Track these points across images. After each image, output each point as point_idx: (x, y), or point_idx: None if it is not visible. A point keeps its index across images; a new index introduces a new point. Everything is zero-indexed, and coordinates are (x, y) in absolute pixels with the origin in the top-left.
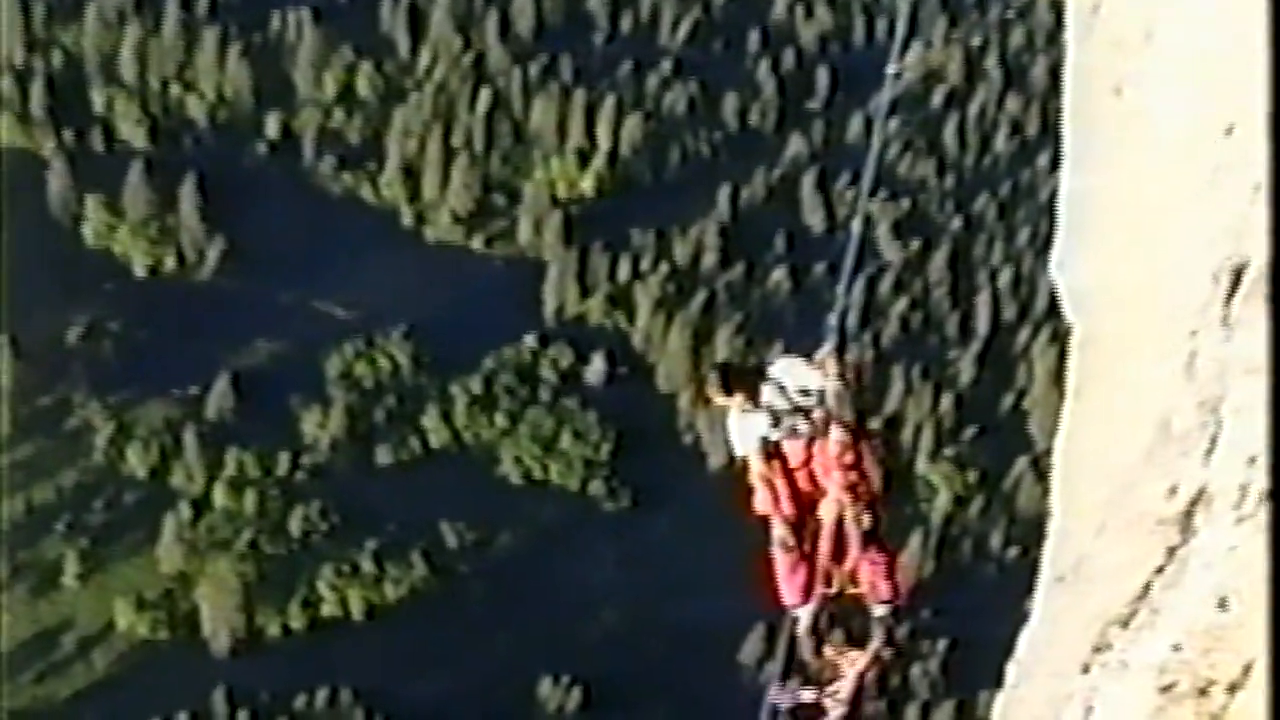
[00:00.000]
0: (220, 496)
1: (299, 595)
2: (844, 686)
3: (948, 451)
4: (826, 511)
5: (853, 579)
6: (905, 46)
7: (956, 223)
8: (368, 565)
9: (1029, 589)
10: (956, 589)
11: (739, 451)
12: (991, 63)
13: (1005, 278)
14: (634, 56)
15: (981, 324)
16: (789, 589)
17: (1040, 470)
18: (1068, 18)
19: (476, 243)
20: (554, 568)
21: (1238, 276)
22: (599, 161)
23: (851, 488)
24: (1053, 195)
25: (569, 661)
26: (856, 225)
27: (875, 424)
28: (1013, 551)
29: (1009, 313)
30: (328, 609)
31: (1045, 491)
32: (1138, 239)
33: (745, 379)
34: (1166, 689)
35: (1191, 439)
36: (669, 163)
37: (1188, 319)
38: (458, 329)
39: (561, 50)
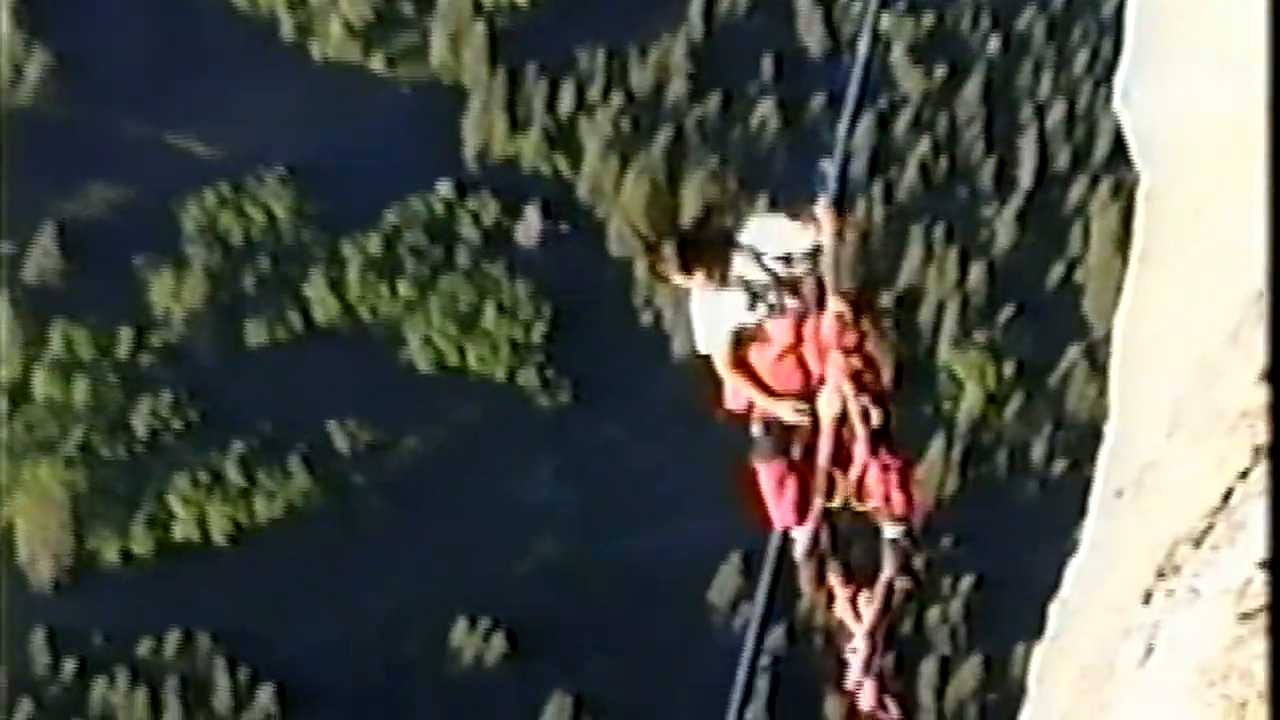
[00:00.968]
0: (42, 384)
1: (144, 512)
2: (860, 638)
3: (978, 336)
4: (825, 406)
5: (858, 492)
6: None
7: (994, 43)
8: (233, 474)
9: (1079, 512)
10: (986, 513)
11: (704, 347)
12: None
13: (1055, 114)
14: None
15: (1024, 174)
16: (778, 507)
17: (1096, 361)
18: None
19: (376, 63)
20: (473, 480)
21: None
22: None
23: (855, 375)
24: (1119, 8)
25: (491, 600)
26: (864, 45)
27: (885, 302)
28: (1059, 465)
29: (1060, 160)
30: (181, 530)
31: (1102, 388)
32: (1224, 65)
33: (710, 251)
34: (1248, 616)
35: None
36: None
37: None
38: (351, 173)
39: None
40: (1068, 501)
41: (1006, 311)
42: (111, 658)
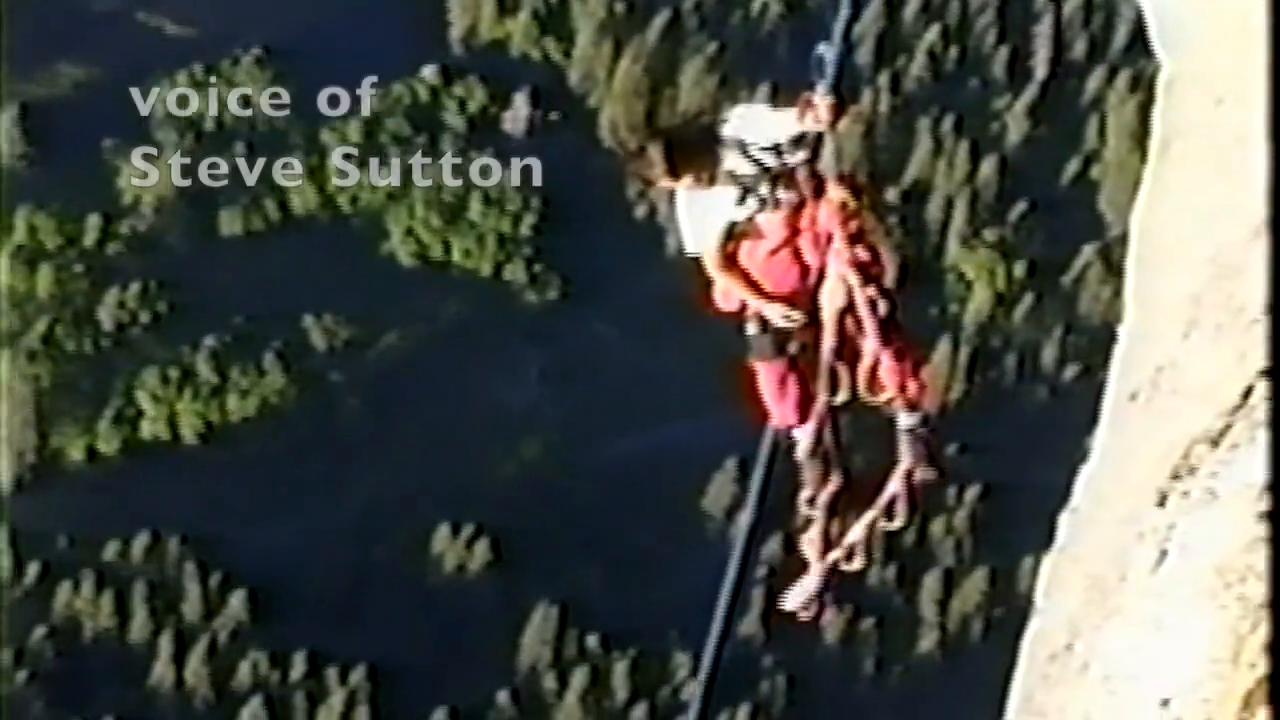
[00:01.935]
0: (5, 274)
1: (111, 408)
2: (857, 530)
3: (988, 234)
4: (829, 297)
5: (871, 384)
6: None
7: None
8: (205, 370)
9: (1091, 419)
10: (994, 418)
11: (692, 246)
12: None
13: (1072, 1)
14: None
15: (1038, 64)
16: (779, 408)
17: (1111, 262)
18: None
19: None
20: (455, 380)
21: None
22: None
23: (860, 266)
24: None
25: (474, 505)
26: None
27: (891, 197)
28: (1071, 369)
29: (1076, 49)
30: (149, 428)
31: (1117, 289)
32: None
33: (698, 151)
34: (1267, 515)
35: None
36: None
37: None
38: (332, 55)
39: None
40: (1079, 408)
41: (1018, 209)
42: (77, 561)
